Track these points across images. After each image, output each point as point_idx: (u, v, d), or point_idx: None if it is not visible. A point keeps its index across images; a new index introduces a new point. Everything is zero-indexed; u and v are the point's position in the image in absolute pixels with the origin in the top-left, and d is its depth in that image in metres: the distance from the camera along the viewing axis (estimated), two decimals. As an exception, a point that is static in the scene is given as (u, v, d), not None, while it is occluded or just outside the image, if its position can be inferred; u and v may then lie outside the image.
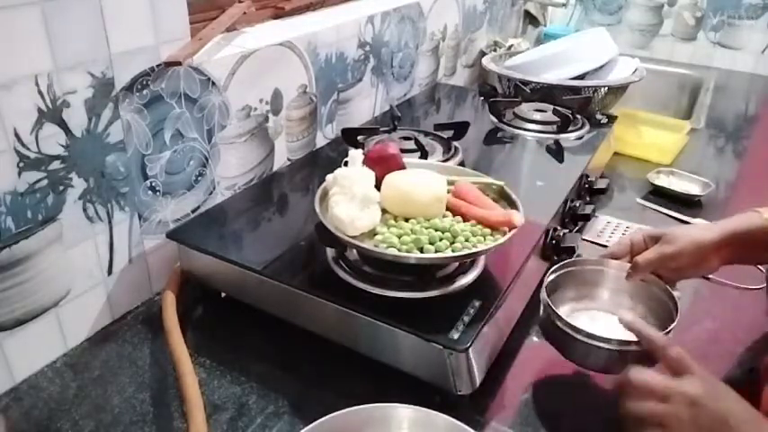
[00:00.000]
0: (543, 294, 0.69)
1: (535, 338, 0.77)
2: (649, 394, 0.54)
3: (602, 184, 1.07)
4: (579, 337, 0.65)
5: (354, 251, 0.72)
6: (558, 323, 0.66)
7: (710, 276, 0.85)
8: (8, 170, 0.62)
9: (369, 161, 0.77)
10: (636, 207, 1.11)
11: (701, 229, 0.73)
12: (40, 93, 0.63)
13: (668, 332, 0.64)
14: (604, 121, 1.25)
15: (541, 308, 0.70)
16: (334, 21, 1.08)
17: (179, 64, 0.75)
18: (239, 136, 0.92)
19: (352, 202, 0.70)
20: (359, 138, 1.06)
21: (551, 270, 0.73)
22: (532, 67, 1.38)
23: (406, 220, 0.71)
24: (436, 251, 0.67)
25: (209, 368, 0.71)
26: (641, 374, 0.55)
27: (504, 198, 0.78)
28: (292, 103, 1.01)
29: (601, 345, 0.64)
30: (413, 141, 1.01)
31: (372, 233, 0.70)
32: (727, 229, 0.71)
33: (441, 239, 0.68)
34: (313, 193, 0.75)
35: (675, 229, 0.74)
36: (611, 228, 1.01)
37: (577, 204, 0.97)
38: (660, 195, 1.14)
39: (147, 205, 0.79)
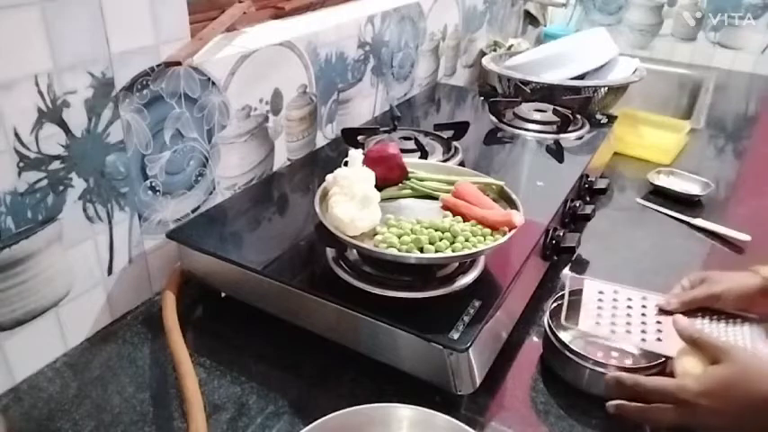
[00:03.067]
0: (546, 320, 0.71)
1: (535, 338, 0.77)
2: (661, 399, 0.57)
3: (602, 184, 1.07)
4: (583, 363, 0.67)
5: (354, 251, 0.72)
6: (563, 350, 0.68)
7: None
8: (8, 170, 0.62)
9: (369, 161, 0.77)
10: (636, 207, 1.11)
11: (745, 276, 0.70)
12: (40, 93, 0.63)
13: (660, 363, 0.66)
14: (604, 121, 1.25)
15: (544, 334, 0.72)
16: (335, 21, 1.08)
17: (179, 64, 0.75)
18: (239, 136, 0.92)
19: (352, 202, 0.70)
20: (359, 138, 1.06)
21: (554, 298, 0.75)
22: (532, 67, 1.38)
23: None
24: (436, 251, 0.67)
25: (209, 368, 0.71)
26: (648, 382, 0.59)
27: (504, 198, 0.78)
28: (292, 103, 1.01)
29: (600, 370, 0.66)
30: (413, 141, 1.01)
31: (372, 233, 0.70)
32: None
33: (441, 239, 0.68)
34: (313, 193, 0.75)
35: (719, 272, 0.71)
36: (608, 301, 0.73)
37: (577, 204, 0.97)
38: (660, 195, 1.14)
39: (147, 205, 0.79)
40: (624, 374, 0.62)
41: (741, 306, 0.69)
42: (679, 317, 0.65)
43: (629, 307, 0.72)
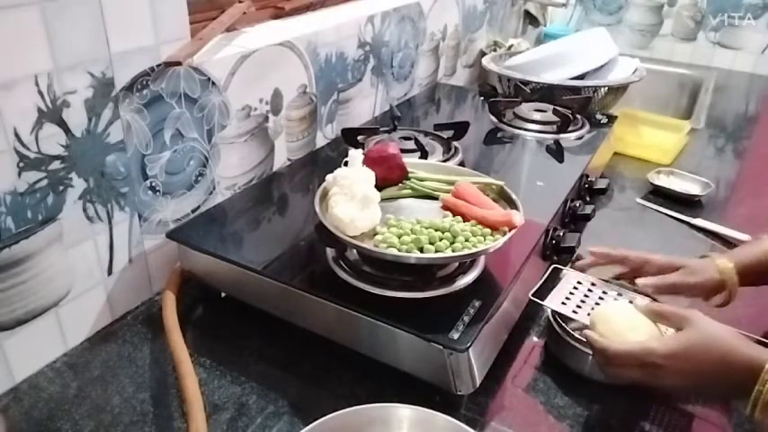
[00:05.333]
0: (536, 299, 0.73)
1: (535, 338, 0.77)
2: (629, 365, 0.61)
3: (602, 184, 1.07)
4: (585, 350, 0.68)
5: (354, 251, 0.72)
6: (566, 337, 0.70)
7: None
8: (8, 170, 0.62)
9: (369, 161, 0.77)
10: (636, 207, 1.11)
11: (705, 266, 0.75)
12: (40, 93, 0.63)
13: None
14: (604, 121, 1.25)
15: (547, 323, 0.74)
16: (335, 21, 1.08)
17: (179, 64, 0.75)
18: (239, 136, 0.92)
19: (352, 202, 0.70)
20: (359, 138, 1.06)
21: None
22: (532, 67, 1.38)
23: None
24: (436, 251, 0.67)
25: (209, 368, 0.71)
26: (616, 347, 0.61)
27: (504, 198, 0.79)
28: (292, 103, 1.01)
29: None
30: (413, 141, 1.01)
31: (372, 233, 0.70)
32: (741, 264, 0.74)
33: (441, 239, 0.68)
34: (313, 193, 0.75)
35: (697, 261, 0.76)
36: (581, 291, 0.75)
37: (577, 204, 0.97)
38: (660, 195, 1.14)
39: (147, 205, 0.79)
40: (593, 336, 0.64)
41: (704, 297, 0.75)
42: (639, 300, 0.69)
43: (600, 298, 0.74)
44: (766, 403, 0.54)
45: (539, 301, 0.73)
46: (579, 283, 0.77)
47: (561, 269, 0.79)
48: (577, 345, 0.69)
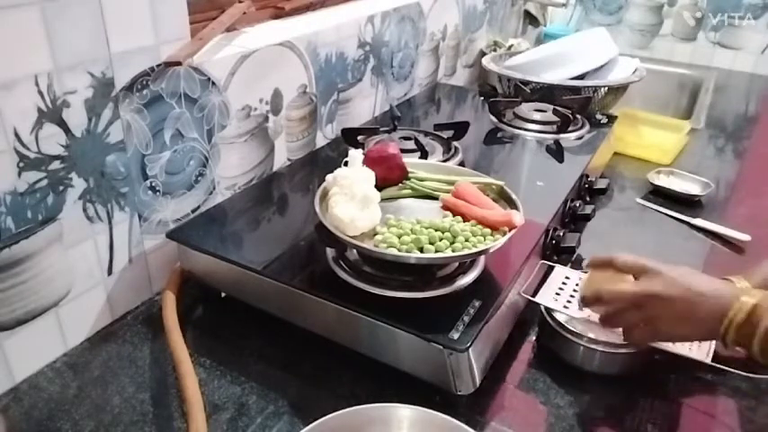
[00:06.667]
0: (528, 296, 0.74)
1: (534, 338, 0.77)
2: (622, 308, 0.65)
3: (602, 184, 1.07)
4: (576, 340, 0.70)
5: (354, 251, 0.72)
6: (558, 328, 0.71)
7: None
8: (8, 170, 0.62)
9: (369, 161, 0.77)
10: (636, 207, 1.11)
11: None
12: (39, 93, 0.63)
13: None
14: (604, 121, 1.25)
15: (540, 317, 0.75)
16: (335, 21, 1.08)
17: (179, 64, 0.75)
18: (239, 136, 0.92)
19: (352, 202, 0.70)
20: (359, 138, 1.06)
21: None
22: (532, 67, 1.38)
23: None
24: (436, 251, 0.67)
25: (209, 368, 0.71)
26: (610, 288, 0.65)
27: (504, 198, 0.79)
28: (292, 103, 1.01)
29: (593, 347, 0.69)
30: (413, 141, 1.02)
31: (372, 233, 0.70)
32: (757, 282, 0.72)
33: (441, 239, 0.68)
34: (313, 193, 0.75)
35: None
36: (570, 285, 0.77)
37: (577, 204, 0.97)
38: (660, 195, 1.14)
39: (147, 205, 0.79)
40: (588, 293, 0.67)
41: None
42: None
43: None
44: (740, 324, 0.58)
45: (530, 298, 0.74)
46: (567, 277, 0.78)
47: (551, 265, 0.79)
48: (571, 337, 0.70)
